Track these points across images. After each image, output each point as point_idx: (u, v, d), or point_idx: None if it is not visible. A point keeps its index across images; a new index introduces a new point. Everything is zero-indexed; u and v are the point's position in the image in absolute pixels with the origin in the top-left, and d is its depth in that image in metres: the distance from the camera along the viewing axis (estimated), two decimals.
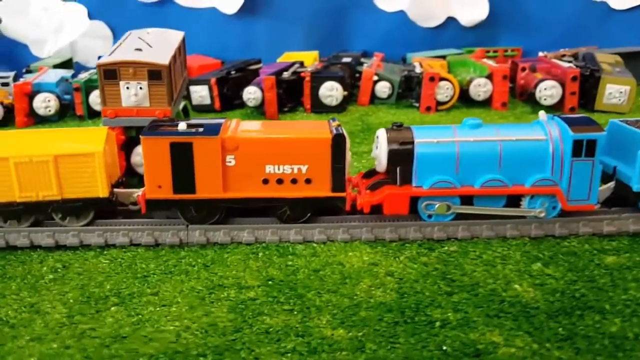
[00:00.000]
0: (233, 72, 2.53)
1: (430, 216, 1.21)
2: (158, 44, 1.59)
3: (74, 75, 2.51)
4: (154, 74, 1.46)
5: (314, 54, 2.98)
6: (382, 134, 1.21)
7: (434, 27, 3.07)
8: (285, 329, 0.90)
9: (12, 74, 2.49)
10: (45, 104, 2.24)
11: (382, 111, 2.40)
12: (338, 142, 1.16)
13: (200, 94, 2.42)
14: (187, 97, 2.46)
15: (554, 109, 2.28)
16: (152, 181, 1.17)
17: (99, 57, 3.26)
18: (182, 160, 1.16)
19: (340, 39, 3.13)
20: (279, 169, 1.17)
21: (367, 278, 1.04)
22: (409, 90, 2.57)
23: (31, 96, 2.24)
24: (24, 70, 2.60)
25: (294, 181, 1.18)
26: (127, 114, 1.48)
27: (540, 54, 2.88)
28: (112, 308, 0.98)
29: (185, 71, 1.84)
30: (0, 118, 2.24)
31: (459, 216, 1.21)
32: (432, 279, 1.04)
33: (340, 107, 2.40)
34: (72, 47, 3.00)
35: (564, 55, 2.74)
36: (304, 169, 1.17)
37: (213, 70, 2.61)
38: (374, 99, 2.54)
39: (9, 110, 2.28)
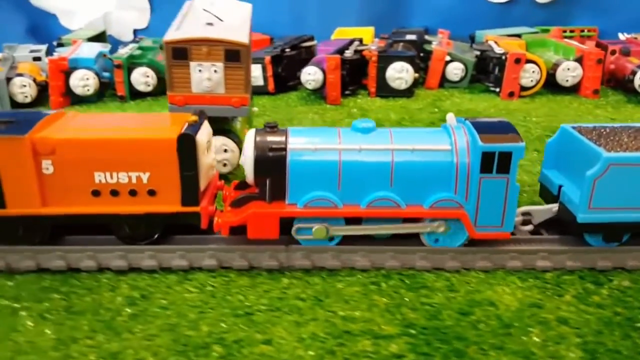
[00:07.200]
0: (288, 50, 2.28)
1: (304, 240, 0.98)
2: (229, 18, 1.35)
3: (112, 51, 2.28)
4: (231, 54, 1.21)
5: (370, 30, 2.71)
6: (249, 137, 0.96)
7: (503, 2, 2.78)
8: None
9: (44, 47, 2.24)
10: (83, 82, 2.00)
11: (455, 96, 2.14)
12: (185, 144, 0.92)
13: (252, 74, 2.18)
14: None
15: None
16: None
17: (135, 32, 2.96)
18: None
19: (397, 14, 2.84)
20: (112, 178, 0.93)
21: (536, 327, 0.82)
22: (482, 72, 2.31)
23: (67, 73, 2.01)
24: (55, 44, 2.36)
25: (132, 193, 0.94)
26: (198, 102, 1.25)
27: (621, 35, 2.60)
28: None
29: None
30: (34, 98, 2.02)
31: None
32: (620, 331, 0.81)
33: (409, 91, 2.15)
34: (105, 19, 2.75)
35: None
36: (144, 177, 0.93)
37: (264, 48, 2.35)
38: (443, 81, 2.29)
39: (43, 88, 2.05)
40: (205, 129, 1.00)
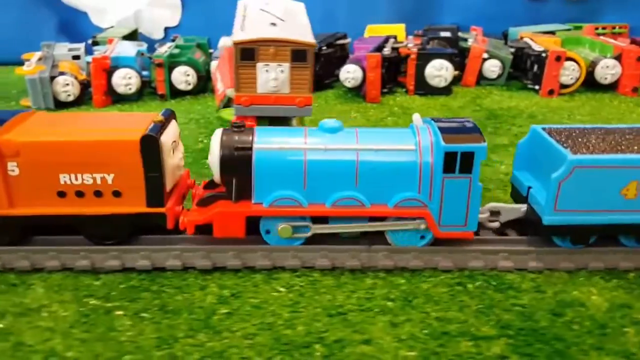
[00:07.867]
0: (324, 48, 2.28)
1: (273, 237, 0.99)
2: (289, 17, 1.35)
3: (149, 49, 2.28)
4: (298, 54, 1.22)
5: (401, 27, 2.71)
6: (216, 137, 0.97)
7: None
8: None
9: (81, 45, 2.25)
10: (125, 80, 2.01)
11: (494, 94, 2.15)
12: (149, 145, 0.92)
13: None
14: None
15: None
16: None
17: (166, 30, 2.95)
18: None
19: (427, 11, 2.84)
20: (77, 179, 0.94)
21: (630, 327, 0.83)
22: (517, 69, 2.31)
23: (109, 72, 2.02)
24: (89, 42, 2.37)
25: (98, 194, 0.95)
26: (263, 102, 1.25)
27: None
28: None
29: None
30: (77, 96, 2.02)
31: None
32: None
33: (447, 89, 2.15)
34: (136, 17, 2.76)
35: None
36: (109, 178, 0.94)
37: None
38: (480, 79, 2.29)
39: (84, 87, 2.06)
40: (172, 129, 1.00)
